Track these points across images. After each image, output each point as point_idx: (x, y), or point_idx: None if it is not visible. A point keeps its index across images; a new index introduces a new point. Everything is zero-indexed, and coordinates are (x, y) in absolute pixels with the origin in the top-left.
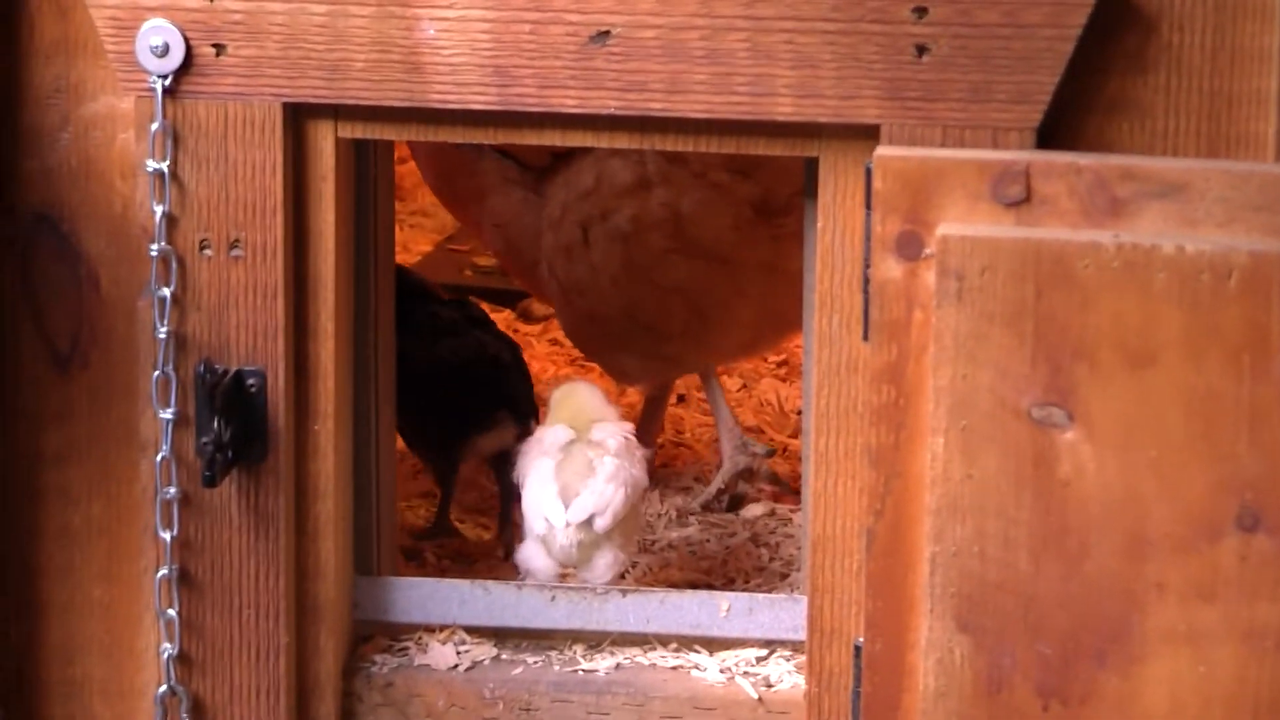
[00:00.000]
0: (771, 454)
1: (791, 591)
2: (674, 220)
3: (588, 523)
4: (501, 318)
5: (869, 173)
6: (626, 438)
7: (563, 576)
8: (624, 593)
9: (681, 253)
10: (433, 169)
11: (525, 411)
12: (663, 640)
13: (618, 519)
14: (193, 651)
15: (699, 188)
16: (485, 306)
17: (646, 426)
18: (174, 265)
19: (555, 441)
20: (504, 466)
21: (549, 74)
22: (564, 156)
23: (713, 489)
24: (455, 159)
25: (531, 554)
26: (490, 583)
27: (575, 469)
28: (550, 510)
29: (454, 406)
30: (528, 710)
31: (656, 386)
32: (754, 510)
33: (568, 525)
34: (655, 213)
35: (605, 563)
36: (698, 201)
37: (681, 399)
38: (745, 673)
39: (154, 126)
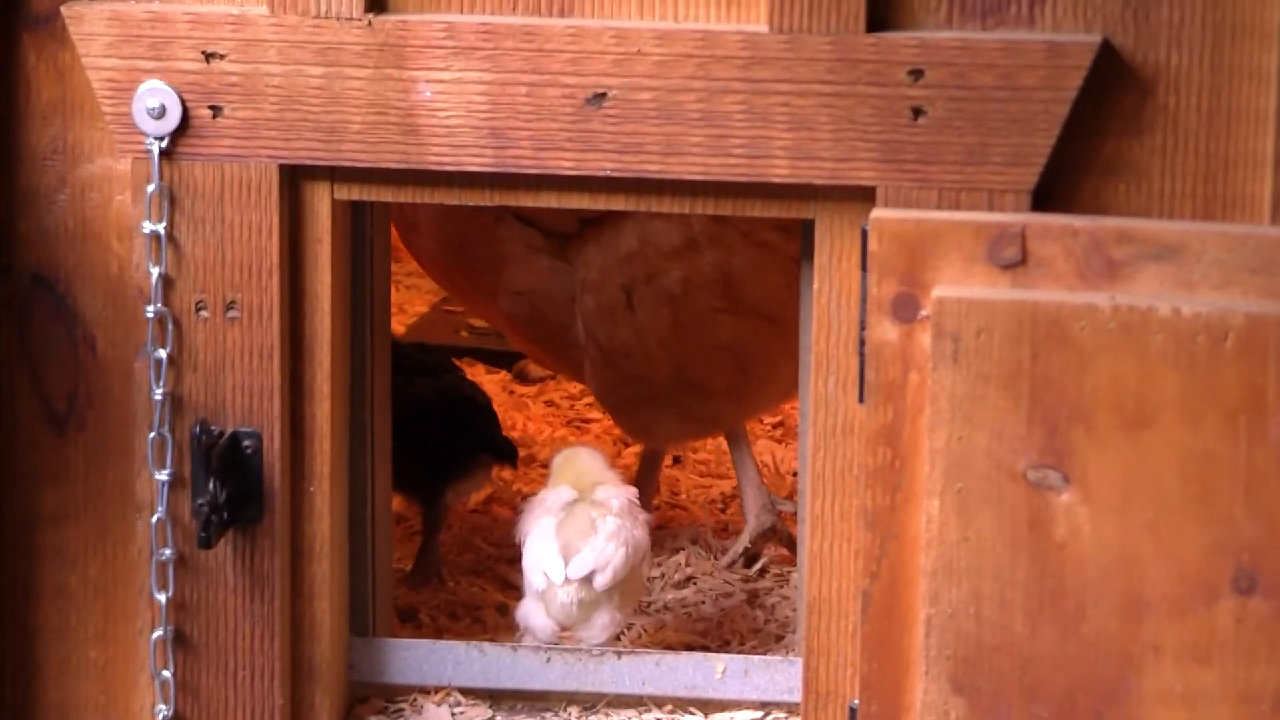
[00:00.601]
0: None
1: (787, 653)
2: (723, 280)
3: (588, 580)
4: (497, 379)
5: (865, 235)
6: (630, 500)
7: (561, 636)
8: (619, 654)
9: (730, 312)
10: (441, 240)
11: (506, 453)
12: (658, 702)
13: (617, 578)
14: (188, 712)
15: (748, 247)
16: (481, 368)
17: (643, 488)
18: (170, 326)
19: (558, 501)
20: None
21: (545, 136)
22: (594, 221)
23: (739, 548)
24: (471, 229)
25: (529, 611)
26: (485, 644)
27: (577, 527)
28: (550, 566)
29: (434, 448)
30: None
31: (653, 450)
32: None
33: (567, 581)
34: (705, 273)
35: (602, 623)
36: (748, 261)
37: (677, 460)
38: None
39: (150, 188)
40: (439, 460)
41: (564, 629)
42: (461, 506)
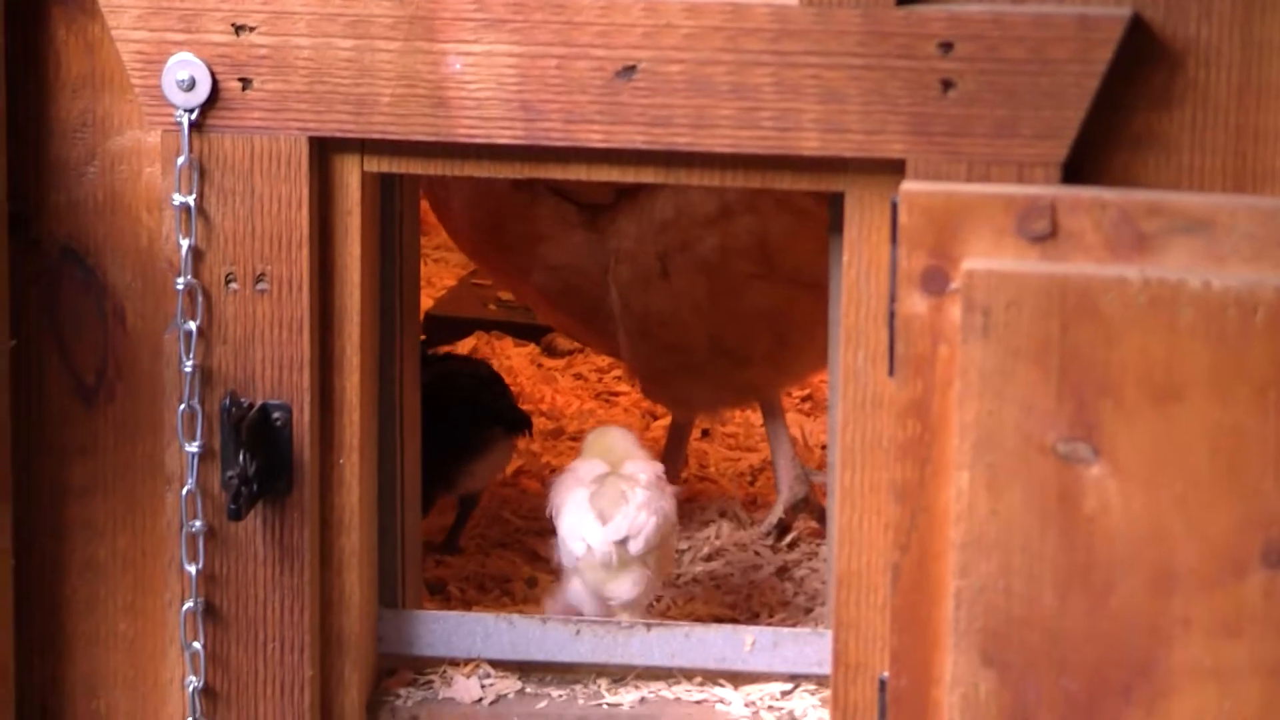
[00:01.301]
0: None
1: (816, 626)
2: (760, 247)
3: (623, 545)
4: (525, 352)
5: (895, 208)
6: (658, 474)
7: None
8: (649, 626)
9: (766, 279)
10: (474, 217)
11: (518, 422)
12: (687, 674)
13: (650, 546)
14: (217, 685)
15: (783, 213)
16: (509, 341)
17: (671, 461)
18: (200, 299)
19: (590, 473)
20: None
21: (575, 109)
22: (629, 192)
23: (773, 518)
24: (505, 205)
25: (572, 592)
26: (515, 616)
27: (610, 498)
28: (589, 531)
29: (443, 434)
30: None
31: (686, 420)
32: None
33: (606, 544)
34: (741, 240)
35: (632, 579)
36: (784, 227)
37: (706, 434)
38: (770, 707)
39: (180, 160)
40: (451, 445)
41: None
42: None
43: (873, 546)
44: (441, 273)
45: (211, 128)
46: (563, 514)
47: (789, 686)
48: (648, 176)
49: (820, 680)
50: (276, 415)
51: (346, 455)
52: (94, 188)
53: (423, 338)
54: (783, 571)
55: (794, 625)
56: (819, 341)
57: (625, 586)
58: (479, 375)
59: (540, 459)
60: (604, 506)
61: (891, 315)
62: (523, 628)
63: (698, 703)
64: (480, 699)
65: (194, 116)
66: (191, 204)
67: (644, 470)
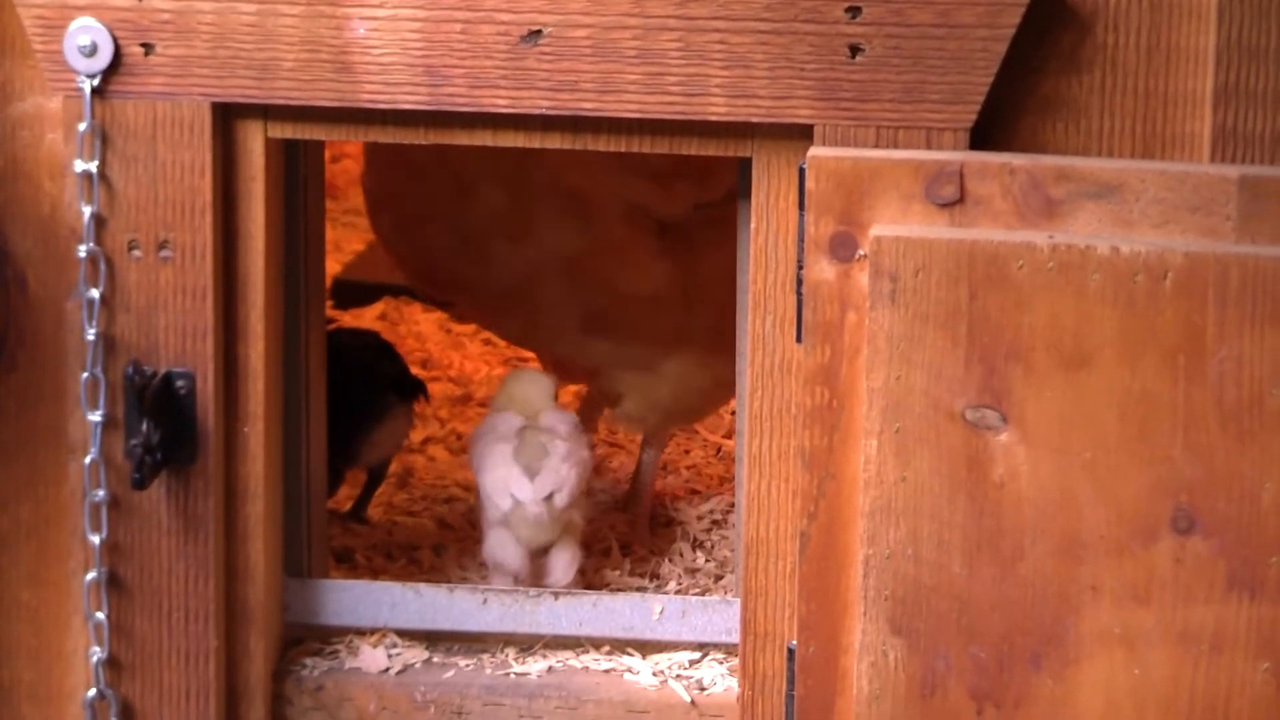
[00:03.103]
0: None
1: (725, 594)
2: None
3: (549, 500)
4: (434, 318)
5: (802, 173)
6: (575, 424)
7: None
8: (556, 595)
9: None
10: None
11: (412, 388)
12: (595, 643)
13: (573, 497)
14: (122, 655)
15: None
16: (419, 307)
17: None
18: (102, 266)
19: (510, 428)
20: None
21: (480, 74)
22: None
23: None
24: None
25: (498, 543)
26: (422, 585)
27: (532, 452)
28: (517, 487)
29: (340, 405)
30: (459, 714)
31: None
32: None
33: (537, 502)
34: None
35: (565, 561)
36: None
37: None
38: (678, 675)
39: (82, 126)
40: (348, 417)
41: (532, 554)
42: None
43: (781, 514)
44: (350, 237)
45: (114, 93)
46: (485, 470)
47: (697, 655)
48: (554, 142)
49: (729, 649)
50: (180, 383)
51: (251, 423)
52: None
53: (329, 304)
54: (692, 539)
55: (703, 594)
56: None
57: (560, 568)
58: (368, 345)
59: (448, 425)
60: (529, 460)
61: (799, 281)
62: (430, 597)
63: (606, 672)
64: (387, 669)
65: (96, 82)
66: (94, 171)
67: (562, 421)
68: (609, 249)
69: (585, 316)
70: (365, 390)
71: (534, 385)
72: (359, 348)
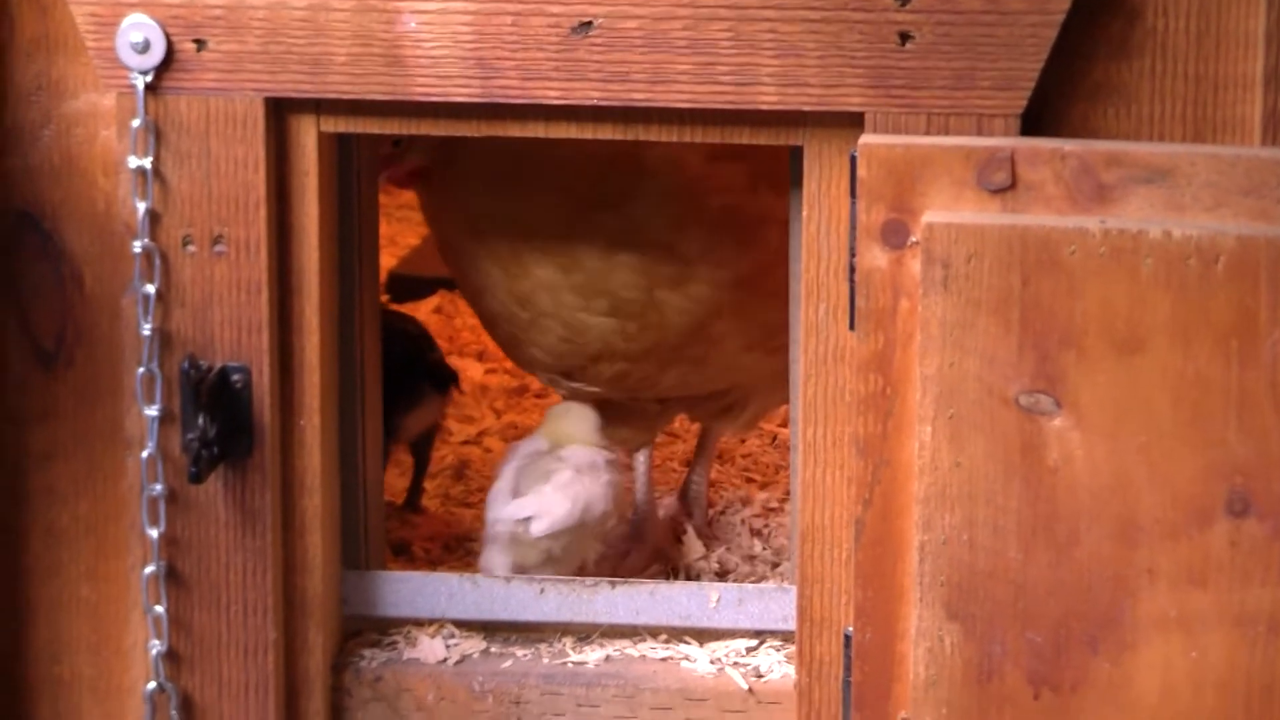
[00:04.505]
0: None
1: (781, 581)
2: None
3: (525, 524)
4: None
5: (854, 161)
6: (596, 459)
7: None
8: (613, 584)
9: None
10: None
11: (444, 378)
12: (652, 632)
13: (554, 528)
14: (181, 648)
15: None
16: None
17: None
18: (157, 262)
19: (527, 450)
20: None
21: (531, 65)
22: None
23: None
24: None
25: (486, 556)
26: (479, 576)
27: (533, 475)
28: (494, 503)
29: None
30: (517, 703)
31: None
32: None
33: (509, 521)
34: None
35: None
36: None
37: None
38: (735, 663)
39: (135, 123)
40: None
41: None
42: (451, 439)
43: (836, 501)
44: (405, 231)
45: (166, 90)
46: (492, 483)
47: (754, 642)
48: (605, 133)
49: (785, 636)
50: (236, 377)
51: (307, 417)
52: (49, 152)
53: (385, 297)
54: (749, 527)
55: (760, 581)
56: None
57: (502, 560)
58: (407, 332)
59: (504, 417)
60: (523, 483)
61: (851, 269)
62: (487, 587)
63: (663, 660)
64: (445, 659)
65: (149, 79)
66: (148, 167)
67: (580, 453)
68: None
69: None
70: (400, 375)
71: (574, 419)
72: (399, 332)
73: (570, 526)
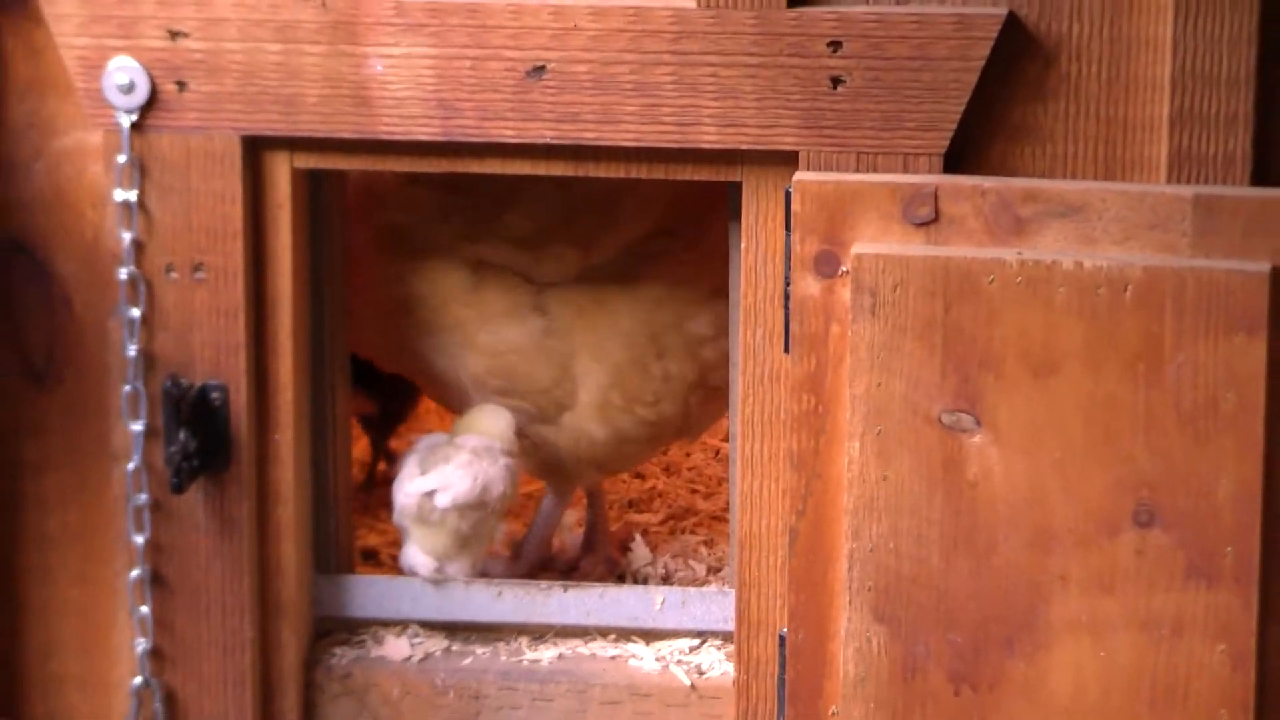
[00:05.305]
0: None
1: (722, 585)
2: None
3: (430, 497)
4: None
5: (788, 196)
6: (489, 444)
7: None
8: (565, 588)
9: None
10: None
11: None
12: (602, 632)
13: (458, 502)
14: (164, 646)
15: None
16: None
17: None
18: (142, 288)
19: (428, 443)
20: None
21: (489, 106)
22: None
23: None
24: None
25: (406, 552)
26: (443, 580)
27: (435, 458)
28: (400, 487)
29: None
30: (477, 698)
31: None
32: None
33: (415, 494)
34: None
35: (463, 570)
36: None
37: None
38: (679, 661)
39: (121, 159)
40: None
41: (436, 558)
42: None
43: (772, 511)
44: None
45: (150, 128)
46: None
47: (696, 642)
48: (558, 170)
49: (725, 636)
50: (215, 395)
51: (281, 432)
52: (41, 185)
53: None
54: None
55: (701, 585)
56: None
57: (419, 554)
58: None
59: None
60: (425, 464)
61: (786, 296)
62: (449, 590)
63: (612, 658)
64: (410, 657)
65: (134, 118)
66: (132, 200)
67: (475, 440)
68: None
69: None
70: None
71: (483, 416)
72: None
73: (472, 502)
